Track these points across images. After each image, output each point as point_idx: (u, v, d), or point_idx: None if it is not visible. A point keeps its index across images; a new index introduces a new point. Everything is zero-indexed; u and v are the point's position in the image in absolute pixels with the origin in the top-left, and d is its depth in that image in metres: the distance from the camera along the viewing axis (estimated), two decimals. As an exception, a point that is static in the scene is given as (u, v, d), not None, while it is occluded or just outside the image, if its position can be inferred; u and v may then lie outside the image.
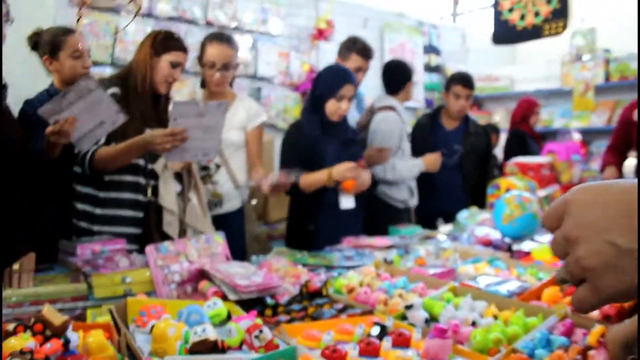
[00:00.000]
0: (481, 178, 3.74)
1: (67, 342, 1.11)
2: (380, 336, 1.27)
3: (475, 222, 2.91)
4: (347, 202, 2.78)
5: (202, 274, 1.76)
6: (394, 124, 3.39)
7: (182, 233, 2.42)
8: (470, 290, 1.68)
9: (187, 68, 3.13)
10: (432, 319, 1.52)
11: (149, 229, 2.35)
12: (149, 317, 1.30)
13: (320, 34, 5.10)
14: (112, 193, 2.31)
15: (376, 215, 3.40)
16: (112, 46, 4.06)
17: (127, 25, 3.28)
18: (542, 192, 3.22)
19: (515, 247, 2.42)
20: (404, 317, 1.52)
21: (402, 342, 1.27)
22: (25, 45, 2.45)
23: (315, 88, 2.79)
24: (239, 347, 1.21)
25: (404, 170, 3.40)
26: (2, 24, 1.82)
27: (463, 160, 3.71)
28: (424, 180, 3.59)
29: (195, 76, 4.15)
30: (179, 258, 1.78)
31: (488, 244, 2.50)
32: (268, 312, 1.56)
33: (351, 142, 2.85)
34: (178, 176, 2.47)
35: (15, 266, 1.66)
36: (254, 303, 1.61)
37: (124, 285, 1.68)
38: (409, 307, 1.52)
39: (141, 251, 1.96)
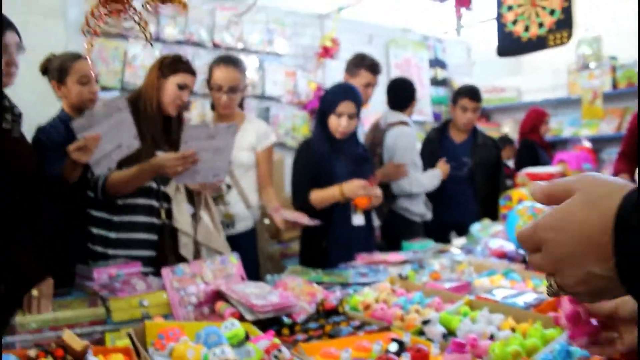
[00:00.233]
0: (492, 189, 3.74)
1: (88, 367, 1.12)
2: (399, 352, 1.27)
3: (489, 235, 2.90)
4: (358, 219, 2.80)
5: (218, 295, 1.77)
6: (410, 138, 3.45)
7: (197, 253, 2.43)
8: (486, 303, 1.67)
9: (195, 90, 3.17)
10: (449, 333, 1.51)
11: (163, 252, 2.37)
12: (167, 340, 1.31)
13: (326, 52, 5.15)
14: (126, 217, 2.33)
15: (394, 230, 3.42)
16: (122, 71, 4.12)
17: (143, 46, 3.32)
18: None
19: (530, 258, 2.40)
20: (421, 333, 1.52)
21: (420, 357, 1.27)
22: (36, 73, 2.50)
23: (320, 105, 2.86)
24: (259, 367, 1.21)
25: (427, 182, 3.46)
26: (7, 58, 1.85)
27: (473, 173, 3.72)
28: (435, 193, 3.60)
29: (204, 98, 4.20)
30: (195, 280, 1.79)
31: (503, 256, 2.49)
32: (285, 331, 1.56)
33: (361, 159, 2.87)
34: (189, 196, 2.49)
35: (34, 292, 1.68)
36: (270, 323, 1.61)
37: (141, 308, 1.69)
38: (426, 322, 1.52)
39: (157, 274, 1.98)
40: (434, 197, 3.63)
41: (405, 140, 3.43)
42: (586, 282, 0.54)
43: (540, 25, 3.25)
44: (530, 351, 1.33)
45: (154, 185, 2.37)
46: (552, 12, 3.21)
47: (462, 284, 2.00)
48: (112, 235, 2.31)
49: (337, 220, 2.74)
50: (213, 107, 2.88)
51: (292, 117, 5.02)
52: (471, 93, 3.72)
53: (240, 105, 2.91)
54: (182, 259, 2.32)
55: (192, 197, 2.49)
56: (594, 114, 5.29)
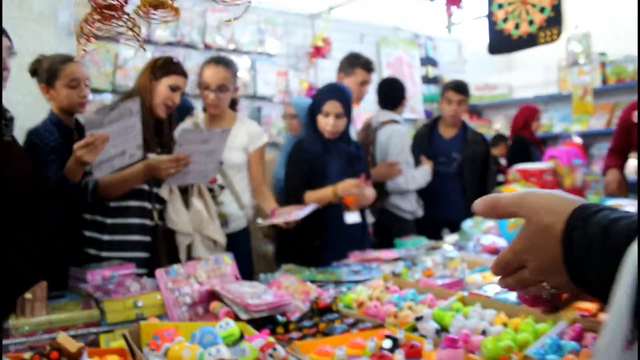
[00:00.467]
0: (481, 185, 3.77)
1: (84, 369, 1.12)
2: (392, 349, 1.29)
3: (481, 231, 2.91)
4: (352, 217, 2.81)
5: (212, 295, 1.77)
6: (402, 136, 3.48)
7: (189, 248, 2.45)
8: (479, 299, 1.69)
9: (187, 91, 3.17)
10: (442, 329, 1.53)
11: (157, 253, 2.37)
12: (162, 340, 1.32)
13: (318, 52, 5.15)
14: (118, 219, 2.34)
15: (385, 227, 3.44)
16: (113, 73, 4.11)
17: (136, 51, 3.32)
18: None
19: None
20: (414, 329, 1.53)
21: (414, 354, 1.28)
22: (27, 77, 2.48)
23: (310, 105, 2.90)
24: (253, 366, 1.22)
25: (421, 179, 3.49)
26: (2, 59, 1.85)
27: (462, 168, 3.74)
28: (425, 189, 3.64)
29: (195, 99, 4.20)
30: (189, 280, 1.79)
31: (495, 252, 2.51)
32: (280, 329, 1.57)
33: (354, 158, 2.88)
34: (183, 190, 2.50)
35: (28, 295, 1.68)
36: (265, 321, 1.62)
37: (135, 309, 1.70)
38: (419, 318, 1.54)
39: (151, 275, 1.98)
40: (424, 193, 3.66)
41: (398, 138, 3.46)
42: (569, 283, 0.63)
43: (531, 22, 3.27)
44: (522, 345, 1.35)
45: (146, 187, 2.38)
46: (542, 10, 3.24)
47: (454, 281, 2.02)
48: (106, 237, 2.31)
49: (331, 218, 2.76)
50: (205, 108, 2.88)
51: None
52: (455, 85, 3.76)
53: (233, 107, 2.92)
54: (176, 260, 2.33)
55: (186, 190, 2.51)
56: (584, 110, 5.32)
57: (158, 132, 2.46)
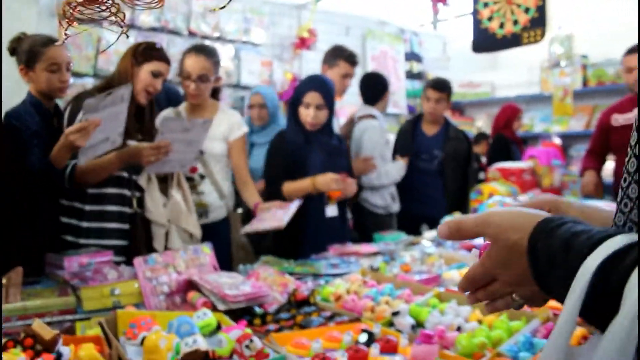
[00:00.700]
0: (462, 183, 3.80)
1: (59, 356, 1.12)
2: (368, 343, 1.30)
3: (459, 228, 2.94)
4: (332, 210, 2.82)
5: (190, 285, 1.77)
6: (376, 131, 3.47)
7: (167, 241, 2.44)
8: (455, 295, 1.71)
9: (170, 78, 3.13)
10: (418, 324, 1.55)
11: (135, 241, 2.36)
12: (139, 329, 1.31)
13: (303, 43, 5.14)
14: (97, 206, 2.31)
15: (360, 222, 3.47)
16: (95, 57, 4.06)
17: (119, 37, 3.26)
18: (523, 197, 3.27)
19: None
20: (391, 324, 1.55)
21: (389, 348, 1.29)
22: (7, 57, 2.41)
23: (292, 96, 2.90)
24: (230, 357, 1.23)
25: (396, 173, 3.51)
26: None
27: (443, 165, 3.77)
28: (406, 185, 3.66)
29: (179, 86, 4.16)
30: (167, 269, 1.79)
31: (472, 248, 2.53)
32: (257, 321, 1.58)
33: (336, 151, 2.88)
34: (161, 180, 2.49)
35: (3, 281, 1.66)
36: (242, 312, 1.62)
37: (113, 297, 1.69)
38: (395, 313, 1.55)
39: (128, 263, 1.97)
40: (405, 190, 3.68)
41: (371, 133, 3.46)
42: (540, 292, 0.65)
43: (515, 22, 3.30)
44: (496, 343, 1.37)
45: (125, 174, 2.36)
46: (526, 10, 3.26)
47: (431, 277, 2.04)
48: (84, 224, 2.29)
49: (311, 211, 2.76)
50: (185, 97, 2.86)
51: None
52: (434, 83, 3.78)
53: (215, 96, 2.89)
54: (155, 249, 2.32)
55: (165, 179, 2.49)
56: (564, 111, 5.40)
57: (139, 118, 2.44)
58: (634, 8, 4.90)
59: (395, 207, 3.60)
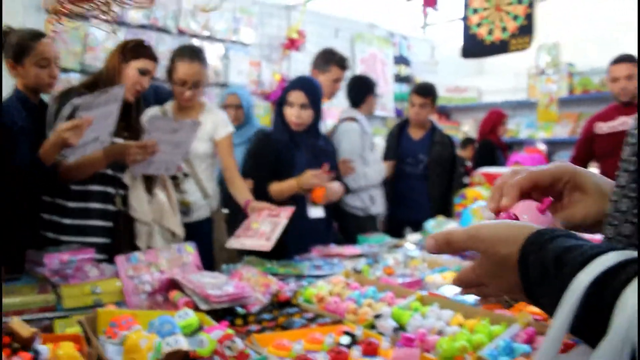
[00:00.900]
0: (447, 187, 3.82)
1: (36, 355, 1.10)
2: (350, 345, 1.30)
3: (443, 232, 2.95)
4: (315, 212, 2.82)
5: (173, 284, 1.76)
6: (354, 133, 3.48)
7: (150, 239, 2.42)
8: (437, 299, 1.72)
9: (157, 76, 3.11)
10: (400, 327, 1.55)
11: (118, 239, 2.34)
12: (120, 328, 1.30)
13: (292, 44, 5.13)
14: (80, 203, 2.29)
15: (342, 225, 3.48)
16: (82, 53, 4.02)
17: (115, 32, 3.24)
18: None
19: (481, 256, 2.47)
20: (373, 326, 1.55)
21: (371, 351, 1.30)
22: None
23: (279, 97, 2.89)
24: (211, 358, 1.22)
25: (374, 176, 3.51)
26: None
27: (428, 169, 3.79)
28: (391, 189, 3.67)
29: (165, 84, 4.13)
30: (149, 268, 1.78)
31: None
32: (239, 321, 1.57)
33: (322, 152, 2.88)
34: (146, 178, 2.47)
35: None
36: (224, 313, 1.62)
37: (93, 295, 1.67)
38: (378, 316, 1.56)
39: (110, 261, 1.95)
40: (390, 193, 3.70)
41: (349, 136, 3.47)
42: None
43: (504, 29, 3.33)
44: (477, 346, 1.38)
45: (109, 172, 2.34)
46: (515, 18, 3.29)
47: (414, 280, 2.05)
48: (66, 221, 2.26)
49: (295, 212, 2.75)
50: (175, 98, 2.84)
51: (255, 107, 5.00)
52: (419, 89, 3.82)
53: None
54: (137, 247, 2.30)
55: (150, 177, 2.47)
56: (548, 118, 5.46)
57: (125, 116, 2.42)
58: (619, 18, 4.97)
59: (376, 209, 3.60)
